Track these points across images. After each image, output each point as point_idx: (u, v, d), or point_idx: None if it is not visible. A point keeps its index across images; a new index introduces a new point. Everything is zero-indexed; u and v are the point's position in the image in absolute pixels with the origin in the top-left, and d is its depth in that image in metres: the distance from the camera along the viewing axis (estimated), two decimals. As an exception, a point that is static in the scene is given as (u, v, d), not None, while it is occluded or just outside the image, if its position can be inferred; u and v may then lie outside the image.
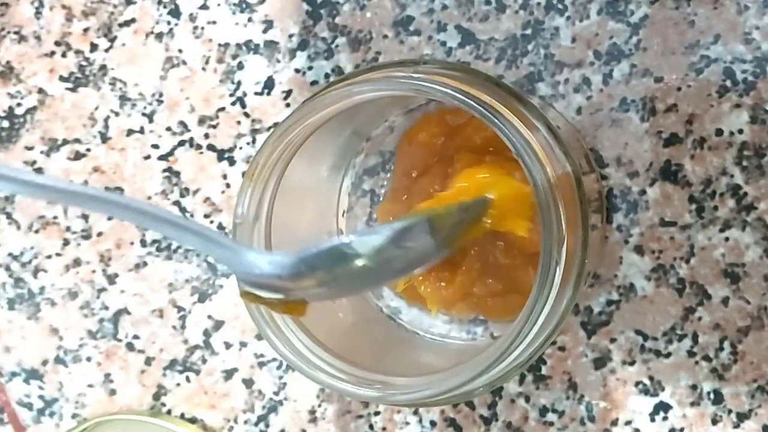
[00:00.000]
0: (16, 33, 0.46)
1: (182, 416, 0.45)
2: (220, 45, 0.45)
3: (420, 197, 0.39)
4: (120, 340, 0.46)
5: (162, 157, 0.45)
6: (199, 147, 0.45)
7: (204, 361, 0.45)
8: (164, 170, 0.45)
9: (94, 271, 0.46)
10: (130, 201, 0.31)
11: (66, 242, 0.46)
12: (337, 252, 0.30)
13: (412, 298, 0.40)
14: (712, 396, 0.40)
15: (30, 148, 0.46)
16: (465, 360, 0.35)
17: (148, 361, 0.46)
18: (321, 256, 0.30)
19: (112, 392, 0.46)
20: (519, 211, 0.35)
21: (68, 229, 0.46)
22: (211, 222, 0.45)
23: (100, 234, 0.46)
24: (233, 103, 0.45)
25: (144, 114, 0.45)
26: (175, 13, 0.45)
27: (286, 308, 0.33)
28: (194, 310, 0.45)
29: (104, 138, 0.46)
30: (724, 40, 0.40)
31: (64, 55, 0.46)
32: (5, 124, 0.47)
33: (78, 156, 0.46)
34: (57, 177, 0.46)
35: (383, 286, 0.40)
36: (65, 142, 0.46)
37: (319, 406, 0.44)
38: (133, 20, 0.45)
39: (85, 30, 0.46)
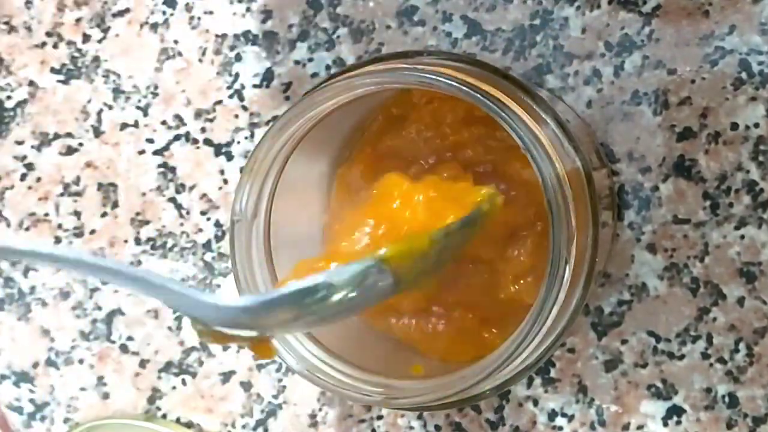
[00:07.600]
0: (5, 23, 0.46)
1: (178, 420, 0.45)
2: (217, 36, 0.44)
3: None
4: (113, 342, 0.46)
5: (157, 152, 0.45)
6: (195, 141, 0.45)
7: (201, 363, 0.45)
8: (159, 165, 0.45)
9: (87, 270, 0.46)
10: (84, 256, 0.31)
11: (58, 240, 0.46)
12: (306, 290, 0.31)
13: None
14: (726, 399, 0.40)
15: (20, 143, 0.46)
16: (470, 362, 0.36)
17: (143, 364, 0.45)
18: (290, 295, 0.31)
19: (106, 396, 0.46)
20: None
21: (60, 226, 0.46)
22: (208, 219, 0.45)
23: (92, 232, 0.46)
24: (231, 96, 0.44)
25: (138, 107, 0.45)
26: (171, 2, 0.45)
27: (252, 346, 0.33)
28: (190, 310, 0.45)
29: (97, 132, 0.46)
30: (740, 31, 0.40)
31: (55, 46, 0.46)
32: (-5, 117, 0.47)
33: (70, 151, 0.46)
34: None
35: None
36: (57, 136, 0.46)
37: (320, 410, 0.44)
38: (127, 10, 0.45)
39: (78, 20, 0.46)
